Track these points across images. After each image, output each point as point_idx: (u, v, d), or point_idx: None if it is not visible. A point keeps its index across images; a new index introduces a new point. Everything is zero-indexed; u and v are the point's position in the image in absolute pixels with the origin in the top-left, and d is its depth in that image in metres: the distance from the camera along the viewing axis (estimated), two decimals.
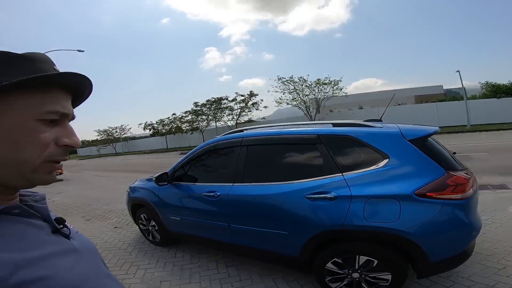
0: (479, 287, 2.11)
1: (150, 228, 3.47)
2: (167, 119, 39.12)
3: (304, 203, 2.02)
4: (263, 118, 34.65)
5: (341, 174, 1.96)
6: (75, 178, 12.87)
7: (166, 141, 40.50)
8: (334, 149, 2.05)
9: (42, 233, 0.47)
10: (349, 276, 1.97)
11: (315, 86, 24.60)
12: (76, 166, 22.94)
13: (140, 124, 43.23)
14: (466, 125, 18.37)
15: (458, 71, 20.46)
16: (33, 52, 0.46)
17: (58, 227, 0.50)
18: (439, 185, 1.75)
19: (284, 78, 24.94)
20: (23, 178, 0.44)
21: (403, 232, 1.72)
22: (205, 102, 30.96)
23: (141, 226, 3.64)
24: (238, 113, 30.16)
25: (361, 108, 30.63)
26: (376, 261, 1.85)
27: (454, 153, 2.23)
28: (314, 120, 24.59)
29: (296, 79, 24.78)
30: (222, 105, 29.99)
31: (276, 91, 25.75)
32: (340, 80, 24.28)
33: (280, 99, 26.05)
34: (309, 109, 25.75)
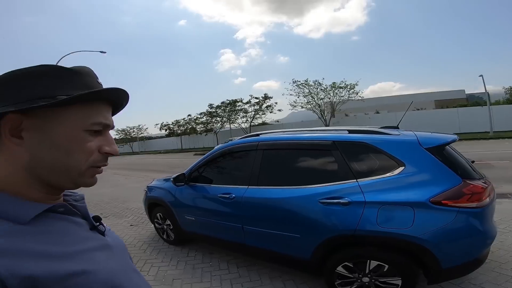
0: None
1: (165, 227, 3.56)
2: (182, 120, 39.87)
3: (318, 207, 2.05)
4: (277, 121, 34.59)
5: (355, 180, 1.99)
6: None
7: (181, 142, 41.22)
8: (349, 155, 2.07)
9: (82, 230, 0.52)
10: (359, 280, 1.99)
11: (330, 90, 24.26)
12: None
13: (156, 124, 44.32)
14: (488, 132, 17.64)
15: (481, 75, 19.71)
16: (80, 66, 0.51)
17: (95, 224, 0.56)
18: (455, 194, 1.75)
19: (299, 81, 24.83)
20: (70, 181, 0.49)
21: (416, 238, 1.74)
22: (220, 104, 31.34)
23: (156, 225, 3.74)
24: (252, 116, 30.30)
25: (378, 113, 30.03)
26: (387, 266, 1.86)
27: (473, 161, 2.21)
28: (329, 124, 24.32)
29: (311, 83, 24.59)
30: (237, 107, 30.22)
31: (291, 94, 25.64)
32: (357, 84, 23.80)
33: (294, 102, 25.91)
34: (324, 113, 25.42)
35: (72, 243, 0.47)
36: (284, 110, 31.34)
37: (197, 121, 36.16)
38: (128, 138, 48.29)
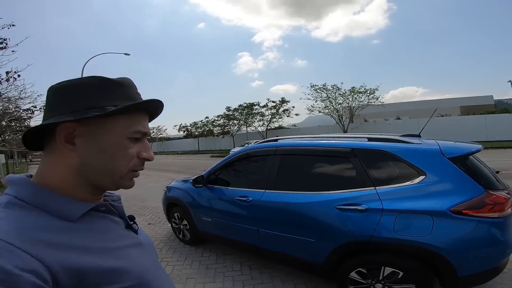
0: None
1: (181, 227, 3.66)
2: (200, 122, 40.54)
3: (334, 213, 2.08)
4: (294, 125, 34.40)
5: (373, 187, 2.00)
6: None
7: (198, 144, 41.91)
8: (369, 163, 2.08)
9: (119, 228, 0.57)
10: (372, 286, 1.99)
11: (349, 95, 23.81)
12: None
13: (175, 125, 45.38)
14: None
15: (510, 81, 18.69)
16: (122, 78, 0.56)
17: (130, 223, 0.60)
18: (476, 204, 1.74)
19: (317, 85, 24.51)
20: (112, 183, 0.54)
21: (433, 246, 1.74)
22: (237, 107, 31.61)
23: (173, 224, 3.84)
24: (269, 119, 30.31)
25: (399, 119, 29.11)
26: (401, 273, 1.86)
27: (498, 172, 2.16)
28: (347, 130, 23.86)
29: (329, 87, 24.22)
30: (254, 111, 30.35)
31: (308, 99, 25.30)
32: (377, 89, 23.16)
33: (312, 106, 25.58)
34: (342, 118, 24.97)
35: (112, 240, 0.52)
36: (301, 115, 31.02)
37: (214, 123, 36.67)
38: (148, 139, 49.78)
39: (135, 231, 0.61)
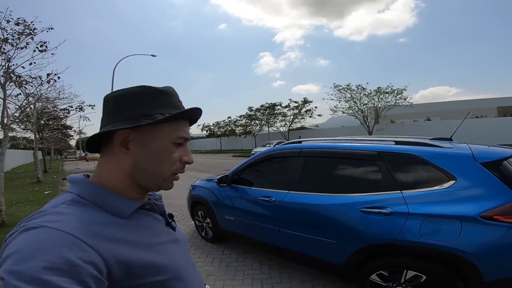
0: None
1: (204, 224, 3.77)
2: (222, 122, 41.15)
3: (357, 215, 2.08)
4: (317, 125, 33.88)
5: (400, 191, 1.98)
6: None
7: (220, 143, 42.57)
8: (395, 166, 2.07)
9: (161, 225, 0.62)
10: None
11: (374, 95, 22.90)
12: None
13: (198, 125, 46.42)
14: None
15: None
16: (167, 87, 0.60)
17: (169, 221, 0.65)
18: (508, 209, 1.69)
19: (341, 85, 23.85)
20: (156, 185, 0.58)
21: (460, 251, 1.71)
22: (259, 107, 31.72)
23: (197, 222, 3.97)
24: (291, 120, 30.11)
25: (429, 120, 27.70)
26: (424, 277, 1.84)
27: None
28: (372, 131, 23.07)
29: (353, 87, 23.46)
30: (276, 111, 30.29)
31: (332, 99, 24.67)
32: (405, 89, 21.99)
33: (335, 107, 24.94)
34: (367, 119, 24.13)
35: (155, 236, 0.56)
36: (324, 115, 30.42)
37: (236, 123, 37.06)
38: None
39: (173, 228, 0.66)
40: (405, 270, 1.91)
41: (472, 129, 16.85)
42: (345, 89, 23.58)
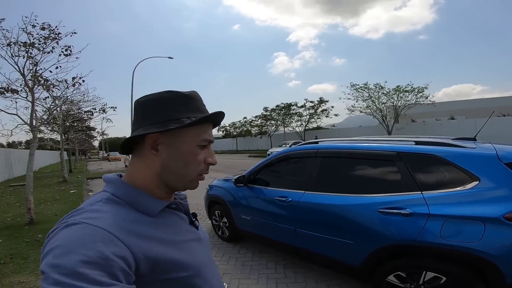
0: None
1: (221, 224, 3.83)
2: (238, 122, 41.41)
3: (375, 216, 2.06)
4: (333, 125, 33.32)
5: (420, 192, 1.95)
6: None
7: (236, 143, 42.84)
8: (415, 167, 2.04)
9: (185, 224, 0.64)
10: None
11: (393, 94, 22.15)
12: None
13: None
14: None
15: None
16: (191, 91, 0.63)
17: (193, 219, 0.68)
18: None
19: (358, 84, 23.23)
20: (182, 185, 0.61)
21: (482, 252, 1.68)
22: (274, 107, 31.66)
23: (214, 221, 4.03)
24: (307, 120, 29.82)
25: (453, 119, 26.50)
26: (444, 278, 1.81)
27: None
28: (391, 131, 22.39)
29: (371, 86, 22.80)
30: (291, 111, 30.10)
31: (349, 98, 24.06)
32: (426, 87, 21.04)
33: (352, 106, 24.35)
34: (386, 118, 23.40)
35: (179, 234, 0.59)
36: (341, 115, 29.76)
37: (252, 123, 37.17)
38: None
39: (196, 227, 0.68)
40: (424, 271, 1.88)
41: (498, 128, 15.94)
42: (363, 88, 22.99)
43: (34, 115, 5.50)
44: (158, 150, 0.58)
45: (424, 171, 2.00)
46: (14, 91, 5.51)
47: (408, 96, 21.61)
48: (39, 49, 5.28)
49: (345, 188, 2.36)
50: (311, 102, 28.69)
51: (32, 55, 5.25)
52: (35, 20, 5.19)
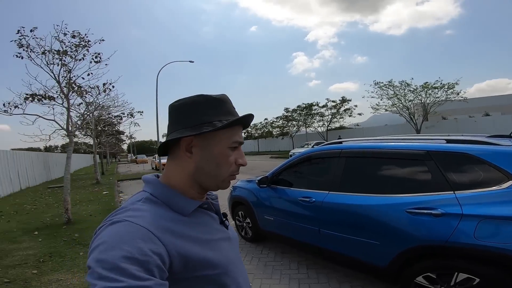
0: None
1: (244, 224, 3.88)
2: (259, 124, 41.51)
3: (403, 216, 2.02)
4: (357, 125, 32.36)
5: (452, 192, 1.89)
6: None
7: (258, 145, 42.98)
8: (447, 166, 1.97)
9: (215, 223, 0.66)
10: None
11: (421, 91, 21.03)
12: None
13: None
14: None
15: None
16: (222, 95, 0.65)
17: (223, 219, 0.70)
18: None
19: (382, 82, 22.30)
20: (215, 186, 0.63)
21: None
22: (295, 108, 31.40)
23: (237, 222, 4.09)
24: (329, 120, 29.25)
25: (488, 115, 24.76)
26: (477, 280, 1.74)
27: None
28: (420, 129, 21.31)
29: (396, 83, 21.81)
30: (313, 111, 29.67)
31: (373, 97, 23.22)
32: (457, 83, 19.70)
33: (377, 105, 23.46)
34: (414, 116, 22.32)
35: (210, 233, 0.61)
36: (365, 114, 28.76)
37: (273, 124, 37.11)
38: None
39: (226, 227, 0.70)
40: (456, 273, 1.83)
41: None
42: (387, 85, 22.09)
43: (69, 120, 5.77)
44: (192, 153, 0.61)
45: (457, 171, 1.93)
46: (51, 98, 5.80)
47: (437, 93, 20.46)
48: (71, 57, 5.50)
49: (371, 188, 2.32)
50: (333, 101, 28.14)
51: (65, 63, 5.48)
52: (66, 28, 5.42)
